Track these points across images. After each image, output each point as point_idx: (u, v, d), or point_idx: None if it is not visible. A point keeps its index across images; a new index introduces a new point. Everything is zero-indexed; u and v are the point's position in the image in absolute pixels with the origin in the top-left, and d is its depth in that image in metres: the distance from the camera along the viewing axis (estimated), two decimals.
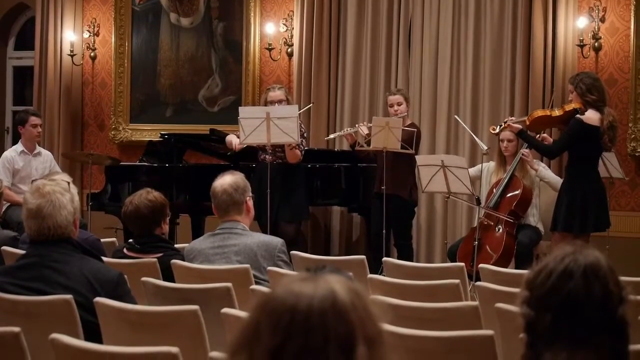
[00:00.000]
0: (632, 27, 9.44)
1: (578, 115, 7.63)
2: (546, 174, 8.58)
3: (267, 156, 8.67)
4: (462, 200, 9.01)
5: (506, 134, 8.43)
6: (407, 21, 10.41)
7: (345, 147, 10.18)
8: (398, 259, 8.00)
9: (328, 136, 10.23)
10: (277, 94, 8.79)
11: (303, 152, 8.85)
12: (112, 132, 12.09)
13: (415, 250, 9.52)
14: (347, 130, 9.21)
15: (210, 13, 11.63)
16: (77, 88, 12.34)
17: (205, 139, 10.19)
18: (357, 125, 9.11)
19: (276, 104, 8.65)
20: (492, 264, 6.89)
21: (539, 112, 8.09)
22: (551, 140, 8.21)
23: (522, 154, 8.49)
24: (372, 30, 10.57)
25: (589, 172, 7.75)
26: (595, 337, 2.24)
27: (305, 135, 9.06)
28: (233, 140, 8.88)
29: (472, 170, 8.64)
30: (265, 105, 8.71)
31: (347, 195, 9.84)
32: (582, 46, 9.57)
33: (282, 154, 8.77)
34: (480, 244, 8.30)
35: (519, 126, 8.10)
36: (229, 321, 4.11)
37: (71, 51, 12.08)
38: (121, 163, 10.25)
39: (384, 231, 8.60)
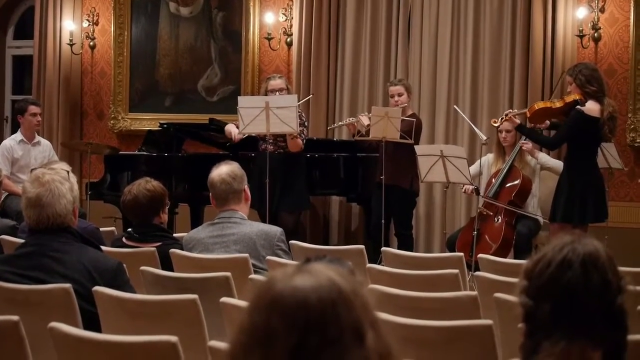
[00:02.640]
0: (631, 17, 9.43)
1: (578, 107, 7.62)
2: (548, 159, 8.60)
3: (268, 146, 8.67)
4: (462, 191, 9.00)
5: (505, 125, 8.43)
6: (406, 11, 10.40)
7: (345, 136, 10.19)
8: (398, 248, 8.01)
9: (328, 126, 10.27)
10: (277, 82, 8.78)
11: (304, 141, 8.85)
12: (111, 122, 12.09)
13: (414, 240, 9.53)
14: (348, 120, 9.20)
15: (210, 2, 11.61)
16: (76, 77, 12.33)
17: (204, 128, 10.19)
18: (358, 115, 9.10)
19: (277, 92, 8.65)
20: (491, 254, 6.89)
21: (540, 104, 8.08)
22: (548, 123, 8.20)
23: (521, 145, 8.49)
24: (371, 20, 10.56)
25: (588, 162, 7.75)
26: (594, 326, 2.24)
27: (306, 124, 9.06)
28: (232, 130, 8.87)
29: (472, 169, 8.59)
30: (266, 94, 8.71)
31: (346, 185, 9.84)
32: (581, 36, 9.56)
33: (284, 144, 8.76)
34: (479, 234, 8.31)
35: (518, 120, 8.10)
36: (227, 310, 4.11)
37: (70, 40, 12.06)
38: (120, 152, 10.25)
39: (382, 221, 8.60)
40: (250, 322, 1.73)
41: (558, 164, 8.46)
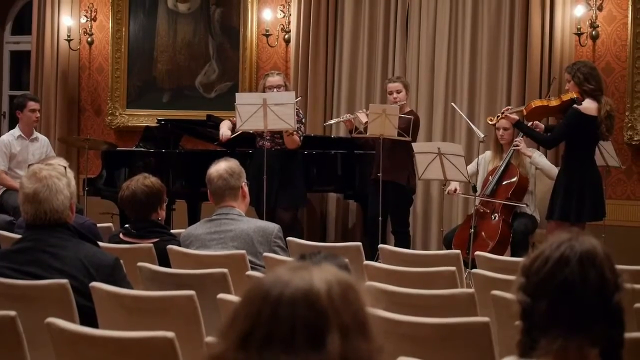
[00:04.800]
0: (629, 15, 9.42)
1: (575, 105, 7.62)
2: (540, 160, 8.56)
3: (265, 142, 8.67)
4: (459, 194, 8.99)
5: (502, 122, 8.42)
6: (404, 8, 10.40)
7: (342, 133, 10.19)
8: (395, 246, 8.00)
9: (325, 122, 10.25)
10: (275, 79, 8.78)
11: (302, 137, 8.85)
12: (109, 118, 12.09)
13: (411, 237, 9.53)
14: (346, 116, 9.19)
15: None
16: (74, 73, 12.33)
17: (202, 125, 10.19)
18: (356, 112, 9.09)
19: (275, 89, 8.65)
20: (488, 252, 6.89)
21: (537, 102, 8.08)
22: (543, 127, 8.19)
23: (515, 143, 8.46)
24: (369, 16, 10.56)
25: (585, 161, 7.75)
26: (591, 323, 2.24)
27: (303, 121, 9.06)
28: (221, 130, 8.83)
29: (469, 168, 8.58)
30: (264, 91, 8.70)
31: (343, 181, 9.84)
32: (579, 34, 9.55)
33: (281, 141, 8.77)
34: (476, 232, 8.31)
35: (516, 117, 8.10)
36: (224, 306, 4.11)
37: (68, 36, 12.06)
38: (117, 148, 10.24)
39: (380, 218, 8.60)
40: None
41: (549, 167, 8.44)
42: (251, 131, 8.71)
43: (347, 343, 1.70)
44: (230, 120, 8.83)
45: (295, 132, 8.60)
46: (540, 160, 8.57)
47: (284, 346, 1.67)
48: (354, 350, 1.71)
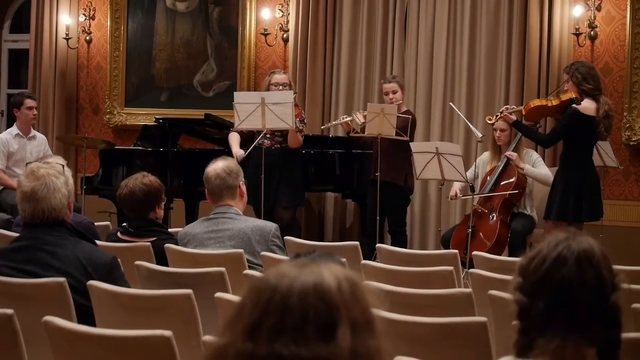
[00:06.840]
0: (628, 15, 9.43)
1: (574, 105, 7.62)
2: (532, 172, 8.49)
3: (264, 141, 8.67)
4: (460, 198, 8.98)
5: (499, 124, 8.42)
6: (403, 8, 10.40)
7: (340, 133, 10.18)
8: (392, 245, 8.00)
9: (323, 123, 10.27)
10: (282, 77, 8.79)
11: (303, 137, 8.87)
12: (107, 116, 12.08)
13: (408, 237, 9.52)
14: (343, 118, 9.17)
15: None
16: (72, 72, 12.33)
17: (200, 123, 10.19)
18: (353, 113, 9.09)
19: (280, 87, 8.65)
20: (486, 252, 6.88)
21: (536, 102, 8.08)
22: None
23: (507, 156, 8.45)
24: (368, 16, 10.56)
25: (583, 161, 7.75)
26: (588, 323, 2.24)
27: (305, 121, 9.06)
28: (234, 150, 8.73)
29: (467, 173, 8.55)
30: (269, 88, 8.70)
31: (342, 181, 9.83)
32: (577, 35, 9.56)
33: (281, 139, 8.77)
34: (474, 232, 8.30)
35: (514, 117, 8.10)
36: (222, 305, 4.11)
37: (67, 34, 12.06)
38: (115, 147, 10.24)
39: (377, 217, 8.60)
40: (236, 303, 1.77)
41: (544, 176, 8.37)
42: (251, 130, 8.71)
43: (357, 338, 1.70)
44: (236, 132, 8.78)
45: (299, 130, 8.63)
46: (532, 171, 8.49)
47: (295, 336, 1.66)
48: (363, 346, 1.71)
